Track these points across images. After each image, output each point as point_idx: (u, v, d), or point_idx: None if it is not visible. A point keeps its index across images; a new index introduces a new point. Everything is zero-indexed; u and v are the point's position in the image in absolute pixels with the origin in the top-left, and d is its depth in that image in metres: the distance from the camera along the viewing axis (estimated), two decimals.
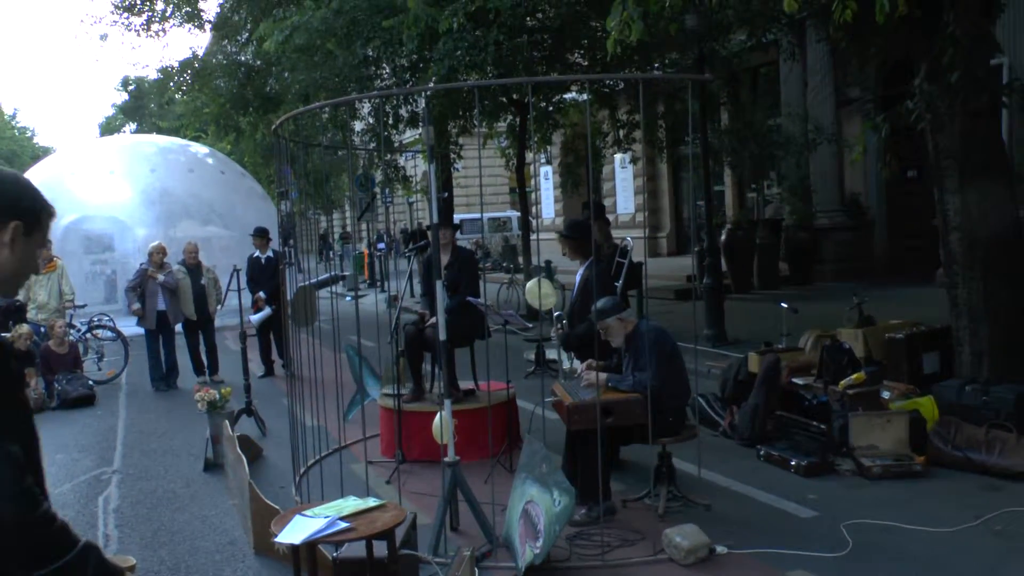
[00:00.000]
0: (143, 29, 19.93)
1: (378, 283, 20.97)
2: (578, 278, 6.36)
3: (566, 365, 9.41)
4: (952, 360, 7.10)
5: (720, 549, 4.64)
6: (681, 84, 8.38)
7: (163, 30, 20.14)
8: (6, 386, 1.79)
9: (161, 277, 10.58)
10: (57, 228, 16.84)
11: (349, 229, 38.14)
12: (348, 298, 15.95)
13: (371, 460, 6.69)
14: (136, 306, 10.64)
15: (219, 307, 11.16)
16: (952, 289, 6.95)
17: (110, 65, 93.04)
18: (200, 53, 22.67)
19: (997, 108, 6.95)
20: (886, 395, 6.65)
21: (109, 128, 54.50)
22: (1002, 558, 4.47)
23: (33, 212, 1.98)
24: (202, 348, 10.97)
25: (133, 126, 49.76)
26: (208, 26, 21.32)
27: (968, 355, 6.82)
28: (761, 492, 5.69)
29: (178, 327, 10.83)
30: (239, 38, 20.69)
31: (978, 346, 6.74)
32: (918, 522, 4.92)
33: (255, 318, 10.72)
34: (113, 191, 18.12)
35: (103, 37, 28.06)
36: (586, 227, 6.36)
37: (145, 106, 46.83)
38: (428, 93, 10.08)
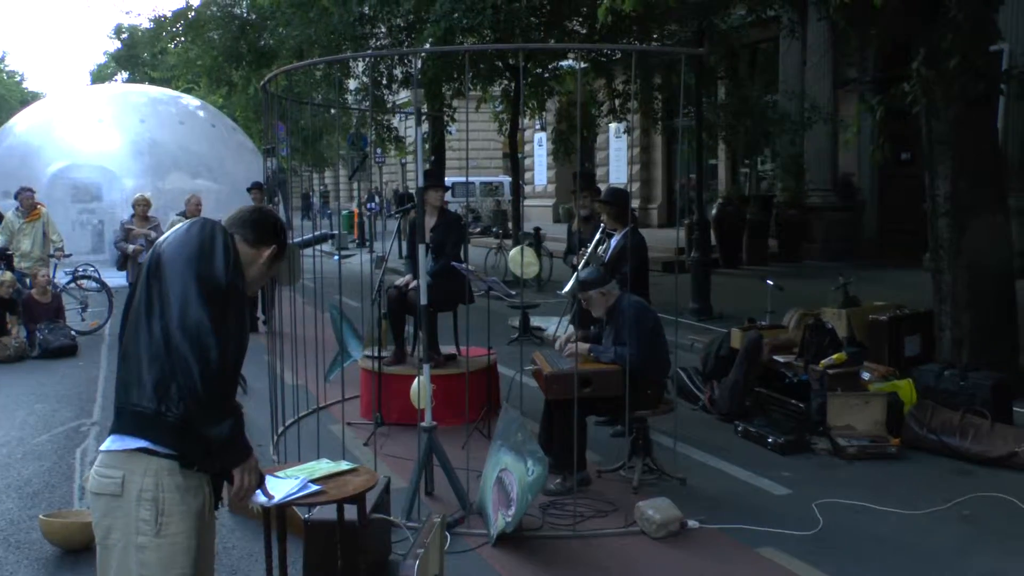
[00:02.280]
0: None
1: (367, 242, 20.85)
2: (614, 243, 6.45)
3: (551, 330, 9.40)
4: (933, 344, 7.14)
5: (692, 524, 4.67)
6: (678, 56, 8.29)
7: None
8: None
9: (153, 235, 10.71)
10: (44, 176, 16.73)
11: (329, 188, 37.73)
12: (335, 257, 15.90)
13: (350, 422, 6.68)
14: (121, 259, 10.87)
15: None
16: (937, 274, 6.97)
17: (102, 11, 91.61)
18: (194, 3, 22.30)
19: (994, 96, 6.92)
20: (866, 376, 6.69)
21: (100, 76, 53.71)
22: (969, 542, 4.51)
23: (283, 243, 2.58)
24: None
25: (125, 75, 49.05)
26: None
27: (949, 340, 6.86)
28: (736, 468, 5.72)
29: None
30: None
31: (959, 332, 6.78)
32: (889, 504, 4.97)
33: None
34: (102, 140, 17.91)
35: None
36: (626, 196, 6.65)
37: (137, 55, 46.10)
38: (422, 56, 10.01)
